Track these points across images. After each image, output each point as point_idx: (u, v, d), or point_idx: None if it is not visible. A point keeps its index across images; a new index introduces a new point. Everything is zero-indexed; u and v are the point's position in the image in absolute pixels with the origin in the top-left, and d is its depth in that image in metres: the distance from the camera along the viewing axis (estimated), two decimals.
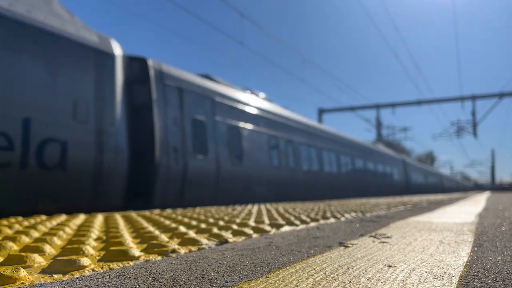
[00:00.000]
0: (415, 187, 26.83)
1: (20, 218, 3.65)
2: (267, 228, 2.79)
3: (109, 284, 1.24)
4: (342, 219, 3.79)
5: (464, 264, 1.54)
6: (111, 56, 6.28)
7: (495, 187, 53.49)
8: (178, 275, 1.36)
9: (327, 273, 1.38)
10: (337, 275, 1.35)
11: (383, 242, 2.12)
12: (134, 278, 1.31)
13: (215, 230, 2.64)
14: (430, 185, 33.66)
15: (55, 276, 1.35)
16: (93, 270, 1.45)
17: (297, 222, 3.31)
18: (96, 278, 1.31)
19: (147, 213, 4.63)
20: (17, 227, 2.92)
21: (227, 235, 2.42)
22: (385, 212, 4.72)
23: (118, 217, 3.89)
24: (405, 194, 23.31)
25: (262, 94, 12.43)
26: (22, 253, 1.58)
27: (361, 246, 1.99)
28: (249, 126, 9.78)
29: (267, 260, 1.63)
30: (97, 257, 1.71)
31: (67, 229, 2.77)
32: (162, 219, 3.59)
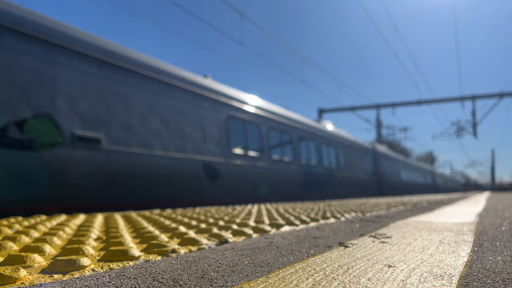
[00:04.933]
0: (438, 188, 44.16)
1: (20, 218, 3.65)
2: (267, 228, 2.79)
3: (109, 284, 1.24)
4: (342, 219, 3.80)
5: (464, 264, 1.54)
6: (371, 149, 21.39)
7: (495, 187, 53.47)
8: (178, 275, 1.36)
9: (327, 273, 1.38)
10: (337, 275, 1.35)
11: (383, 242, 2.12)
12: (134, 278, 1.31)
13: (215, 230, 2.64)
14: (445, 186, 51.44)
15: (55, 276, 1.35)
16: (93, 270, 1.45)
17: (297, 222, 3.31)
18: (96, 278, 1.31)
19: (147, 213, 4.64)
20: (17, 227, 2.92)
21: (227, 235, 2.42)
22: (385, 212, 4.72)
23: (118, 217, 3.89)
24: (433, 193, 38.08)
25: (384, 147, 26.62)
26: (22, 253, 1.58)
27: (361, 246, 2.00)
28: (391, 163, 24.58)
29: (267, 260, 1.63)
30: (97, 257, 1.71)
31: (67, 229, 2.77)
32: (162, 219, 3.60)
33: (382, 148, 24.10)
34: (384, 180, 22.48)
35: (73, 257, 1.53)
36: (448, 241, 2.16)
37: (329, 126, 17.71)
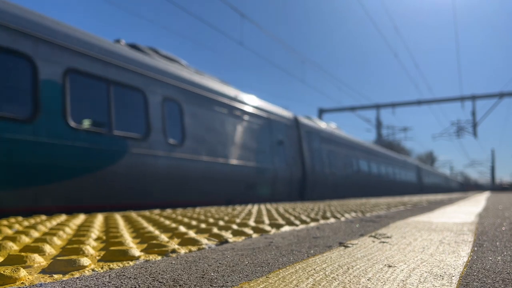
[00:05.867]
0: (426, 188, 34.95)
1: (20, 218, 3.65)
2: (267, 228, 2.79)
3: (109, 284, 1.24)
4: (342, 219, 3.80)
5: (464, 264, 1.54)
6: (291, 121, 12.83)
7: (495, 187, 53.46)
8: (178, 275, 1.36)
9: (327, 273, 1.38)
10: (337, 275, 1.35)
11: (383, 242, 2.12)
12: (134, 278, 1.31)
13: (215, 230, 2.64)
14: (437, 186, 42.19)
15: (55, 276, 1.35)
16: (93, 270, 1.45)
17: (297, 222, 3.31)
18: (96, 278, 1.31)
19: (147, 213, 4.63)
20: (17, 227, 2.92)
21: (227, 235, 2.42)
22: (385, 212, 4.72)
23: (118, 217, 3.89)
24: (418, 194, 30.07)
25: (333, 124, 18.62)
26: (22, 253, 1.58)
27: (361, 246, 1.99)
28: (337, 148, 16.24)
29: (267, 260, 1.63)
30: (97, 257, 1.71)
31: (67, 229, 2.77)
32: (162, 219, 3.60)
33: (316, 124, 15.34)
34: (318, 175, 13.90)
35: (73, 257, 1.53)
36: (448, 241, 2.16)
37: (157, 58, 8.34)
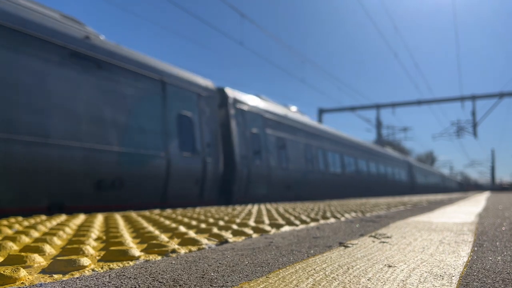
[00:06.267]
0: (418, 188, 31.93)
1: (20, 218, 3.65)
2: (267, 228, 2.79)
3: (109, 284, 1.24)
4: (342, 219, 3.80)
5: (464, 264, 1.54)
6: (213, 91, 9.29)
7: (495, 187, 53.45)
8: (178, 275, 1.36)
9: (327, 273, 1.38)
10: (337, 275, 1.35)
11: (383, 242, 2.12)
12: (134, 278, 1.31)
13: (215, 230, 2.64)
14: (431, 186, 38.85)
15: (55, 276, 1.35)
16: (93, 270, 1.45)
17: (297, 222, 3.31)
18: (96, 278, 1.31)
19: (147, 213, 4.63)
20: (17, 227, 2.92)
21: (227, 235, 2.42)
22: (385, 212, 4.72)
23: (118, 217, 3.89)
24: (410, 194, 28.10)
25: (294, 108, 15.14)
26: (22, 253, 1.58)
27: (361, 246, 1.99)
28: (292, 136, 12.46)
29: (267, 260, 1.63)
30: (97, 257, 1.71)
31: (67, 229, 2.77)
32: (162, 219, 3.60)
33: (262, 102, 11.68)
34: (256, 169, 10.37)
35: (73, 257, 1.53)
36: (448, 241, 2.16)
37: None
